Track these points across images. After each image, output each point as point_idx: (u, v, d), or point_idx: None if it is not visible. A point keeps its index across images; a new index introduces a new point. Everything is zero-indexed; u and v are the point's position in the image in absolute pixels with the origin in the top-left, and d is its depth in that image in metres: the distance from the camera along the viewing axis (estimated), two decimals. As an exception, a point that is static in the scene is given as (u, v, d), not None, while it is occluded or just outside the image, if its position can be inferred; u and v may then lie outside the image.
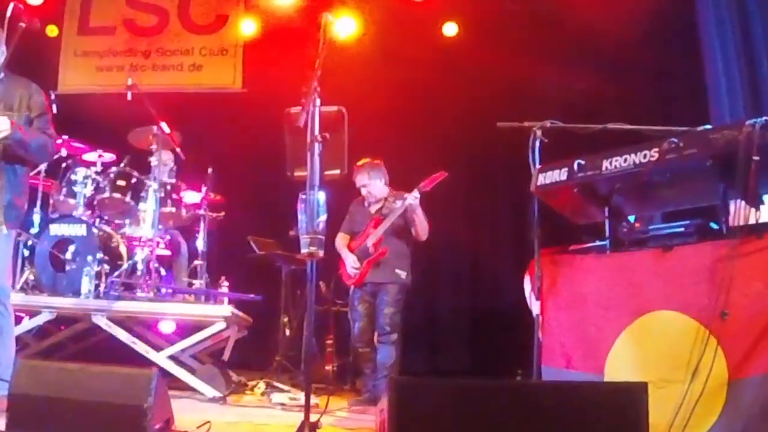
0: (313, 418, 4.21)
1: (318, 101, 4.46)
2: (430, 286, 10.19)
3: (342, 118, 4.82)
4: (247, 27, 11.15)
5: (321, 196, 4.34)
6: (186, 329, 7.85)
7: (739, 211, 4.14)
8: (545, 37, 9.48)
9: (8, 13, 4.83)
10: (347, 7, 10.32)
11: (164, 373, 6.92)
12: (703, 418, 3.91)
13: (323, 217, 4.37)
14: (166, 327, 8.24)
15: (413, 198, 7.08)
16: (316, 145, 4.27)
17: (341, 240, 7.71)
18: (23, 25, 4.91)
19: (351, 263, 7.41)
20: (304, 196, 4.30)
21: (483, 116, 5.65)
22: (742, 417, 3.81)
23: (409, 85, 10.02)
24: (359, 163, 7.54)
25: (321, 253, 4.42)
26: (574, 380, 4.53)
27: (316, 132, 4.33)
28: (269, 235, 8.75)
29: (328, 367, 8.66)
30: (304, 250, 4.41)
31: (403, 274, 7.38)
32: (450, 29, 10.64)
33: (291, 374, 8.49)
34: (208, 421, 4.38)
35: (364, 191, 7.62)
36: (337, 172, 4.79)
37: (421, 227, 7.33)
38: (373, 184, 7.56)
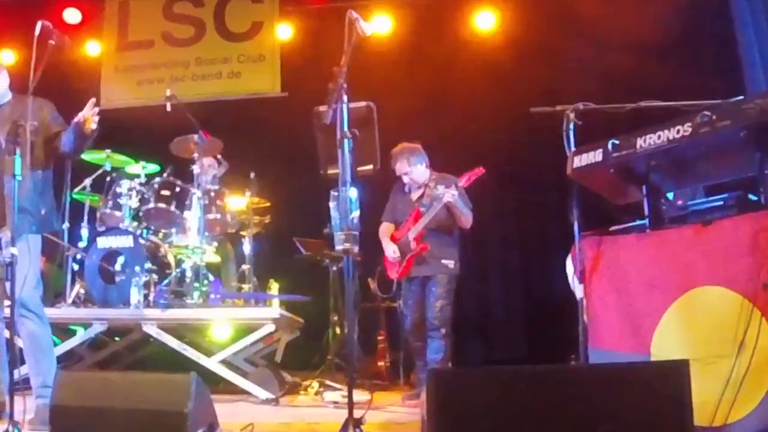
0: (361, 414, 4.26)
1: (345, 98, 4.45)
2: (481, 276, 10.20)
3: (371, 114, 4.84)
4: (283, 32, 11.30)
5: (353, 193, 4.35)
6: (241, 334, 7.84)
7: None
8: (573, 19, 9.47)
9: (36, 32, 4.80)
10: (379, 3, 10.44)
11: (217, 378, 7.10)
12: (752, 392, 3.88)
13: (356, 213, 4.39)
14: (221, 333, 8.27)
15: (450, 196, 6.89)
16: (346, 141, 4.28)
17: (384, 229, 7.61)
18: (53, 43, 4.88)
19: (391, 251, 7.32)
20: (336, 193, 4.34)
21: (517, 105, 5.63)
22: (793, 387, 3.78)
23: (442, 78, 10.10)
24: (396, 149, 7.44)
25: (356, 248, 4.41)
26: (619, 362, 4.51)
27: (345, 128, 4.34)
28: (314, 235, 8.76)
29: (381, 363, 8.66)
30: (338, 247, 4.42)
31: (450, 264, 7.23)
32: (482, 19, 10.62)
33: (345, 372, 8.49)
34: (251, 424, 4.43)
35: (405, 179, 7.44)
36: (370, 167, 4.82)
37: (464, 219, 7.18)
38: (415, 170, 7.39)
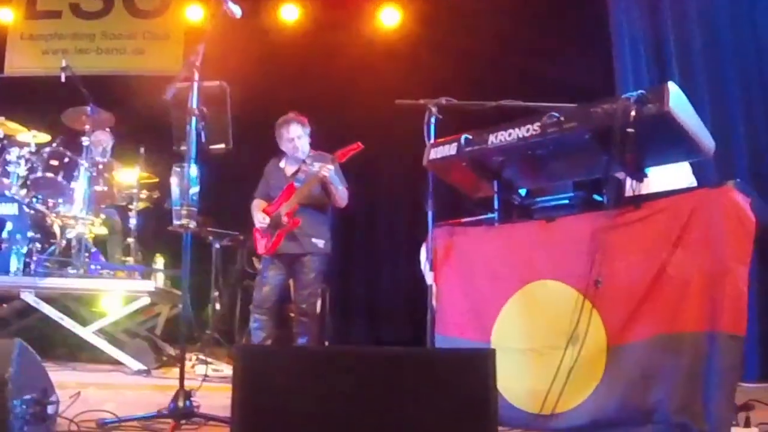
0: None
1: (197, 76, 4.52)
2: (370, 258, 10.43)
3: (224, 94, 4.89)
4: (193, 13, 11.30)
5: (194, 170, 4.40)
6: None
7: (632, 184, 4.31)
8: (451, 17, 9.79)
9: None
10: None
11: (91, 347, 7.19)
12: (583, 384, 4.10)
13: (195, 189, 4.44)
14: (108, 304, 8.18)
15: (327, 170, 6.79)
16: (194, 119, 4.33)
17: (256, 206, 7.36)
18: None
19: (260, 218, 7.14)
20: (178, 169, 4.38)
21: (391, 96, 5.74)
22: (622, 382, 4.00)
23: (336, 68, 10.28)
24: (289, 115, 7.23)
25: (193, 224, 4.47)
26: (460, 347, 4.67)
27: (194, 106, 4.40)
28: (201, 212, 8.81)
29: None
30: (176, 222, 4.48)
31: (321, 243, 7.10)
32: (387, 16, 10.94)
33: (225, 348, 8.57)
34: (78, 392, 4.42)
35: (295, 143, 7.17)
36: (222, 146, 4.88)
37: (338, 196, 7.07)
38: (305, 139, 7.22)
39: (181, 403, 4.23)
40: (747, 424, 3.89)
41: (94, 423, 4.07)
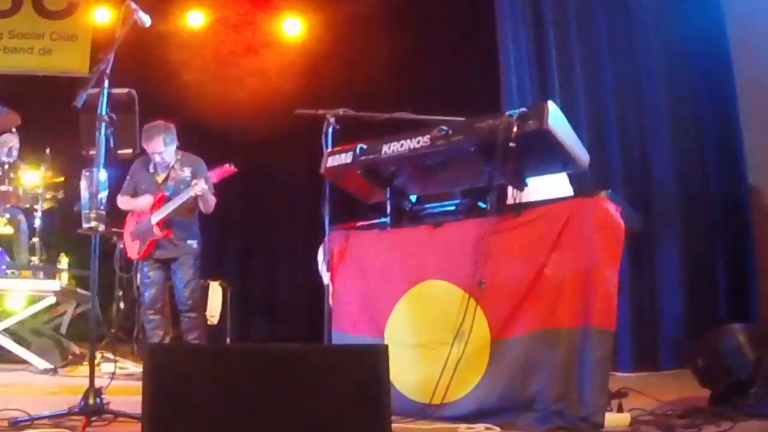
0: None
1: (107, 83, 4.57)
2: (268, 258, 10.64)
3: (132, 100, 5.06)
4: (100, 15, 11.40)
5: (103, 174, 4.50)
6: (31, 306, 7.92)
7: (513, 192, 4.65)
8: (364, 36, 10.10)
9: None
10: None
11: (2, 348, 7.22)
12: (469, 375, 4.42)
13: (104, 194, 4.55)
14: (14, 304, 8.25)
15: (200, 189, 7.03)
16: (103, 125, 4.45)
17: (126, 201, 7.48)
18: None
19: (143, 202, 7.32)
20: (87, 173, 4.48)
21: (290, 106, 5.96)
22: (504, 374, 4.33)
23: (238, 74, 10.53)
24: (150, 125, 7.23)
25: (102, 227, 4.58)
26: (355, 343, 4.95)
27: (103, 112, 4.47)
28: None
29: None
30: (85, 225, 4.58)
31: (194, 243, 7.39)
32: (290, 25, 11.34)
33: (130, 345, 8.76)
34: None
35: (157, 158, 7.25)
36: (130, 151, 5.06)
37: (209, 205, 7.34)
38: (168, 151, 7.26)
39: (91, 401, 4.26)
40: (620, 410, 4.22)
41: (5, 422, 4.09)
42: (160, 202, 7.25)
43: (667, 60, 7.74)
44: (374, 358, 3.25)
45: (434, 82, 9.14)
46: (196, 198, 7.20)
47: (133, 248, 7.46)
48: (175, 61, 10.06)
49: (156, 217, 7.20)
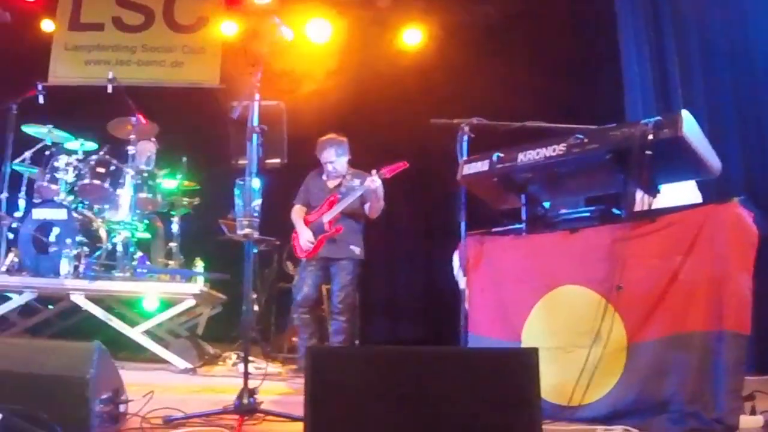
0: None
1: (257, 96, 4.78)
2: (390, 262, 10.84)
3: (281, 112, 5.25)
4: (227, 28, 11.81)
5: (256, 183, 4.67)
6: (166, 308, 8.15)
7: (642, 199, 4.71)
8: (487, 45, 10.25)
9: None
10: (320, 11, 11.04)
11: (142, 347, 7.53)
12: (606, 378, 4.51)
13: (258, 201, 4.73)
14: (149, 305, 8.53)
15: (371, 182, 7.36)
16: (255, 135, 4.65)
17: (297, 211, 7.89)
18: None
19: (307, 237, 7.63)
20: (241, 182, 4.65)
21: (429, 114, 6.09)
22: (639, 376, 4.40)
23: (367, 85, 10.67)
24: (325, 138, 7.72)
25: (256, 233, 4.77)
26: (491, 346, 5.10)
27: (255, 124, 4.69)
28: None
29: (295, 339, 8.97)
30: (240, 231, 4.78)
31: (357, 250, 7.67)
32: (411, 36, 11.48)
33: (261, 346, 8.96)
34: (152, 391, 4.54)
35: (329, 167, 7.75)
36: (278, 161, 5.25)
37: (377, 207, 7.62)
38: (339, 161, 7.74)
39: (245, 400, 4.44)
40: (753, 412, 4.26)
41: (160, 420, 4.27)
42: (332, 204, 7.64)
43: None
44: (525, 361, 3.34)
45: (557, 91, 9.15)
46: (362, 207, 7.62)
47: (302, 247, 7.75)
48: (300, 72, 10.26)
49: (328, 216, 7.60)
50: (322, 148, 7.73)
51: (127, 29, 12.08)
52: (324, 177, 7.91)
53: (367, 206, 7.65)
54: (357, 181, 7.57)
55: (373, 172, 7.41)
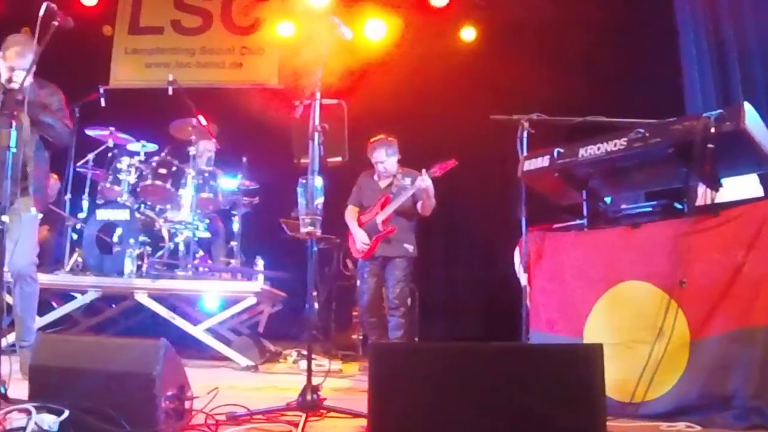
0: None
1: (318, 95, 4.80)
2: (448, 260, 10.83)
3: (342, 111, 5.27)
4: (284, 29, 11.87)
5: (318, 181, 4.70)
6: (229, 305, 8.25)
7: (705, 192, 4.68)
8: (542, 41, 10.24)
9: (41, 13, 4.85)
10: (375, 11, 11.11)
11: (204, 345, 7.61)
12: (669, 374, 4.48)
13: (320, 200, 4.75)
14: (210, 304, 8.75)
15: (422, 181, 7.36)
16: (316, 134, 4.67)
17: (351, 213, 7.99)
18: (56, 24, 4.89)
19: (361, 239, 7.71)
20: (303, 181, 4.70)
21: (484, 111, 6.08)
22: (703, 372, 4.37)
23: (424, 83, 10.63)
24: (374, 138, 7.91)
25: (319, 231, 4.79)
26: (553, 342, 5.07)
27: (317, 123, 4.71)
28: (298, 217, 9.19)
29: (354, 336, 9.23)
30: (303, 230, 4.80)
31: (410, 248, 7.69)
32: (466, 34, 11.54)
33: (321, 344, 9.09)
34: (216, 388, 4.50)
35: (380, 167, 7.87)
36: (339, 159, 5.27)
37: (429, 205, 7.65)
38: (389, 161, 7.83)
39: (309, 396, 4.44)
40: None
41: (224, 416, 4.27)
42: (385, 204, 7.72)
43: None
44: (589, 356, 3.30)
45: (614, 84, 9.10)
46: (413, 204, 7.67)
47: (358, 249, 7.84)
48: (359, 71, 10.28)
49: (381, 216, 7.67)
50: (373, 149, 7.86)
51: (185, 32, 12.24)
52: (375, 177, 8.05)
53: (419, 204, 7.68)
54: (408, 180, 7.65)
55: (423, 171, 7.45)
